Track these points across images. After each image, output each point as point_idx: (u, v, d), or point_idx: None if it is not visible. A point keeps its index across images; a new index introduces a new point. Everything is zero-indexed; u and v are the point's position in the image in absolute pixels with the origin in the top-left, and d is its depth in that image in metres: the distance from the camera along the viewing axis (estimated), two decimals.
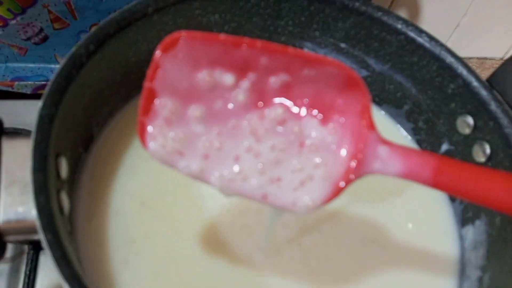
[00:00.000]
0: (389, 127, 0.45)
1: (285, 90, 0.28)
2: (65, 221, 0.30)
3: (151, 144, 0.26)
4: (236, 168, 0.27)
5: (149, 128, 0.26)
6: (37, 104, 0.30)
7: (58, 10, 0.50)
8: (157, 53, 0.25)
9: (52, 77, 0.31)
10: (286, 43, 0.44)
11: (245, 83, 0.27)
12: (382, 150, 0.27)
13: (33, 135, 0.28)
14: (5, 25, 0.50)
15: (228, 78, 0.26)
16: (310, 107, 0.28)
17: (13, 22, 0.50)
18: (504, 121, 0.35)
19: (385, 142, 0.28)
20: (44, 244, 0.25)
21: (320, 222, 0.38)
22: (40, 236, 0.25)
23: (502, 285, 0.30)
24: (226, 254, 0.35)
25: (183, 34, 0.25)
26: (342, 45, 0.43)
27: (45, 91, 0.30)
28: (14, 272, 0.46)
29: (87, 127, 0.37)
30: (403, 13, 0.62)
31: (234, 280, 0.34)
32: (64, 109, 0.31)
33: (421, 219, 0.40)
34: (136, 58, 0.39)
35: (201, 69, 0.26)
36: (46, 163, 0.28)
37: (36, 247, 0.45)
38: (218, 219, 0.36)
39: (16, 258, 0.46)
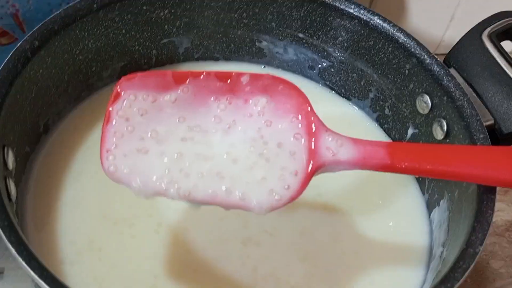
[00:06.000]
0: (359, 122, 0.49)
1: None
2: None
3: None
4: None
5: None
6: None
7: (4, 23, 0.50)
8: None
9: None
10: (243, 37, 0.49)
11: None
12: (328, 136, 0.32)
13: None
14: None
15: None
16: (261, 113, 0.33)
17: None
18: (456, 94, 0.39)
19: (330, 130, 0.32)
20: None
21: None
22: None
23: (454, 254, 0.33)
24: None
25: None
26: (300, 35, 0.48)
27: None
28: None
29: (35, 126, 0.41)
30: (385, 11, 0.66)
31: None
32: (10, 100, 0.35)
33: (399, 217, 0.44)
34: (84, 56, 0.43)
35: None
36: None
37: None
38: None
39: None
